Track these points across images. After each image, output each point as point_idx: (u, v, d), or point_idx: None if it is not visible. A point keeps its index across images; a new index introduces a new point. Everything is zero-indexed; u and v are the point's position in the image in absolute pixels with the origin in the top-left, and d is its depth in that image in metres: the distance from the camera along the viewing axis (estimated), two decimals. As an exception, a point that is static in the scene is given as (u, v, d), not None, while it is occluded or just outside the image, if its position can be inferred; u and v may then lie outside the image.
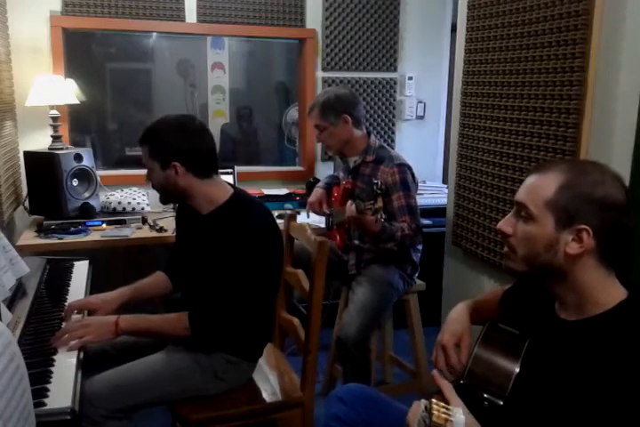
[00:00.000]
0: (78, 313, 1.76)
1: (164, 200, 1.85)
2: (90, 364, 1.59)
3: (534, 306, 1.25)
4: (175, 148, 1.67)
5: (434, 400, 1.04)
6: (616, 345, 1.04)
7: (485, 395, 1.12)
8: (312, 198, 2.62)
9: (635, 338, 1.04)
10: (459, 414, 1.02)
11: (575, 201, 1.08)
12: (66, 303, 1.81)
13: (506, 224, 1.19)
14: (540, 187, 1.13)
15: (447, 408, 1.03)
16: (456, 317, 1.42)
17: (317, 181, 3.05)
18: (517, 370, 1.14)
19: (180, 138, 1.68)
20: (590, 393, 1.02)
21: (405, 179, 2.35)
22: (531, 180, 1.16)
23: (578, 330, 1.12)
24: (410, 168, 2.40)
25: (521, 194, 1.17)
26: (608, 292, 1.12)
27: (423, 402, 1.05)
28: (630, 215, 1.10)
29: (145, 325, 1.70)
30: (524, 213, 1.14)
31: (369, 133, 2.52)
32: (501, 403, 1.11)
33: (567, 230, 1.09)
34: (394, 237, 2.28)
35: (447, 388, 1.08)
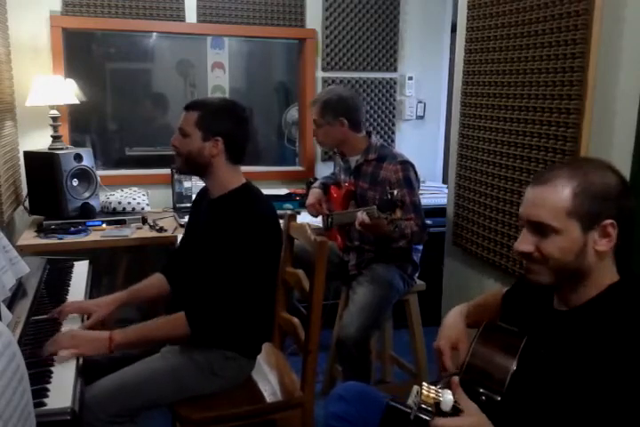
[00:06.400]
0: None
1: (182, 169, 1.88)
2: (89, 365, 1.59)
3: (533, 303, 1.26)
4: (226, 126, 1.74)
5: (424, 384, 1.06)
6: (608, 330, 1.05)
7: (482, 390, 1.12)
8: (310, 200, 2.61)
9: (626, 321, 1.05)
10: (447, 394, 1.03)
11: (594, 202, 1.08)
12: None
13: (524, 244, 1.14)
14: (552, 200, 1.10)
15: (437, 390, 1.04)
16: (451, 321, 1.43)
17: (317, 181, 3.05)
18: (514, 366, 1.14)
19: (234, 120, 1.75)
20: (586, 384, 1.02)
21: (409, 176, 2.36)
22: (537, 194, 1.12)
23: (571, 318, 1.14)
24: (412, 166, 2.41)
25: (534, 212, 1.12)
26: (607, 277, 1.13)
27: (415, 387, 1.07)
28: (632, 195, 1.12)
29: (140, 334, 1.67)
30: (547, 229, 1.10)
31: (369, 134, 2.52)
32: (499, 398, 1.11)
33: (593, 230, 1.09)
34: (404, 234, 2.26)
35: (461, 395, 1.08)
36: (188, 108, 1.76)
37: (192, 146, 1.74)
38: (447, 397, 1.02)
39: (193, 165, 1.78)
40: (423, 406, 1.02)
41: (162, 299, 2.02)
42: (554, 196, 1.09)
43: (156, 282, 1.95)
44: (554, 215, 1.09)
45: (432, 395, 1.03)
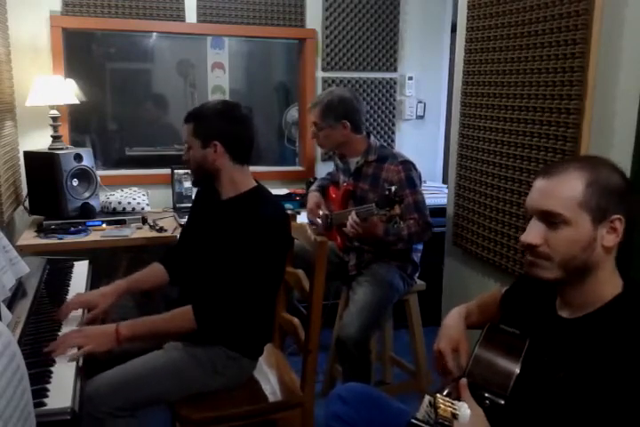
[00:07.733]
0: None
1: (196, 181, 1.94)
2: (89, 361, 1.59)
3: (534, 305, 1.25)
4: (220, 128, 1.75)
5: (438, 395, 1.05)
6: (613, 342, 1.04)
7: (486, 394, 1.12)
8: (310, 205, 2.61)
9: (631, 333, 1.05)
10: (464, 408, 1.03)
11: (603, 195, 1.09)
12: (66, 303, 1.81)
13: (533, 236, 1.12)
14: (565, 190, 1.09)
15: (452, 402, 1.04)
16: (451, 322, 1.42)
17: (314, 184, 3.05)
18: (518, 370, 1.14)
19: (226, 120, 1.76)
20: (590, 391, 1.02)
21: (411, 176, 2.36)
22: (546, 185, 1.12)
23: (576, 328, 1.13)
24: (413, 164, 2.41)
25: (544, 202, 1.11)
26: (611, 284, 1.13)
27: (427, 397, 1.06)
28: (636, 195, 1.13)
29: (147, 327, 1.69)
30: (557, 219, 1.09)
31: (369, 135, 2.51)
32: (502, 402, 1.11)
33: (602, 225, 1.09)
34: (400, 236, 2.28)
35: (468, 397, 1.09)
36: (185, 120, 1.80)
37: (196, 156, 1.78)
38: (464, 411, 1.03)
39: (203, 173, 1.81)
40: (440, 420, 1.02)
41: (160, 289, 2.03)
42: (566, 186, 1.09)
43: (156, 271, 1.96)
44: (565, 205, 1.08)
45: (449, 409, 1.03)
